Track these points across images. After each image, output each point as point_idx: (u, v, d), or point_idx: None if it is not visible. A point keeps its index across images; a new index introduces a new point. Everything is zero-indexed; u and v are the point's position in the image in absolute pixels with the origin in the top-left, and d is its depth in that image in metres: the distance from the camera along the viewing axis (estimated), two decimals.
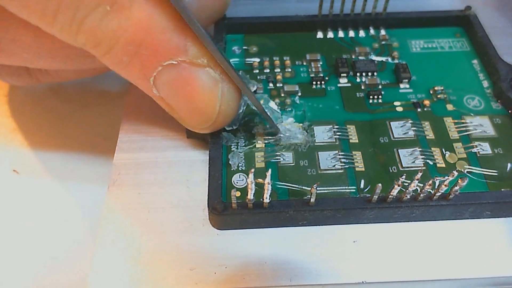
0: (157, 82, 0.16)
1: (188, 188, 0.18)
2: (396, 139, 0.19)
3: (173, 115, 0.17)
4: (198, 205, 0.17)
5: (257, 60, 0.22)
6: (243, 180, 0.18)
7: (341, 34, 0.24)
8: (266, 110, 0.18)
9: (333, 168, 0.18)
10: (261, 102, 0.19)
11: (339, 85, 0.21)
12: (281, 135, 0.19)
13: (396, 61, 0.22)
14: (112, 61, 0.15)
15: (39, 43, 0.16)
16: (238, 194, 0.17)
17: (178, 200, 0.17)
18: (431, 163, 0.18)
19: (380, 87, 0.21)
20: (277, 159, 0.18)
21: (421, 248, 0.16)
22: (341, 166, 0.18)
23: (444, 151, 0.19)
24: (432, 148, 0.19)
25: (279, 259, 0.16)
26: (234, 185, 0.18)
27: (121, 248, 0.16)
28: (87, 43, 0.15)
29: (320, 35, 0.24)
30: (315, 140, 0.19)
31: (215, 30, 0.23)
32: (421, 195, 0.16)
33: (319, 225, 0.17)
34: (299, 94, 0.21)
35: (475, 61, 0.22)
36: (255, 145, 0.19)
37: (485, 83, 0.21)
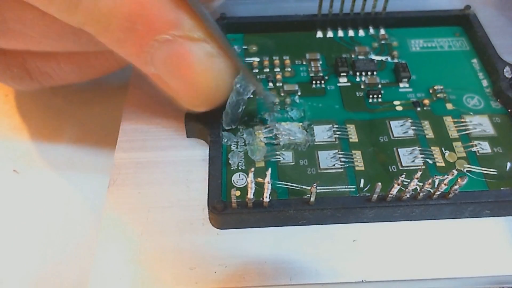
0: (153, 59, 0.15)
1: (188, 187, 0.18)
2: (396, 138, 0.19)
3: (170, 93, 0.17)
4: (198, 205, 0.17)
5: (257, 59, 0.22)
6: (243, 179, 0.18)
7: (340, 33, 0.24)
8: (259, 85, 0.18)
9: (333, 167, 0.18)
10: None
11: (338, 84, 0.21)
12: (276, 102, 0.19)
13: (395, 60, 0.22)
14: (109, 39, 0.15)
15: (45, 21, 0.16)
16: (238, 193, 0.17)
17: (178, 200, 0.17)
18: (430, 162, 0.18)
19: (379, 86, 0.21)
20: (277, 158, 0.18)
21: (420, 247, 0.16)
22: (341, 165, 0.18)
23: (443, 150, 0.19)
24: (432, 147, 0.19)
25: (279, 258, 0.16)
26: (234, 184, 0.18)
27: (121, 248, 0.16)
28: (86, 22, 0.15)
29: (319, 34, 0.24)
30: (314, 139, 0.19)
31: None
32: (421, 194, 0.16)
33: (319, 224, 0.17)
34: (299, 93, 0.21)
35: (474, 60, 0.22)
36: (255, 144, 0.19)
37: (485, 82, 0.21)
